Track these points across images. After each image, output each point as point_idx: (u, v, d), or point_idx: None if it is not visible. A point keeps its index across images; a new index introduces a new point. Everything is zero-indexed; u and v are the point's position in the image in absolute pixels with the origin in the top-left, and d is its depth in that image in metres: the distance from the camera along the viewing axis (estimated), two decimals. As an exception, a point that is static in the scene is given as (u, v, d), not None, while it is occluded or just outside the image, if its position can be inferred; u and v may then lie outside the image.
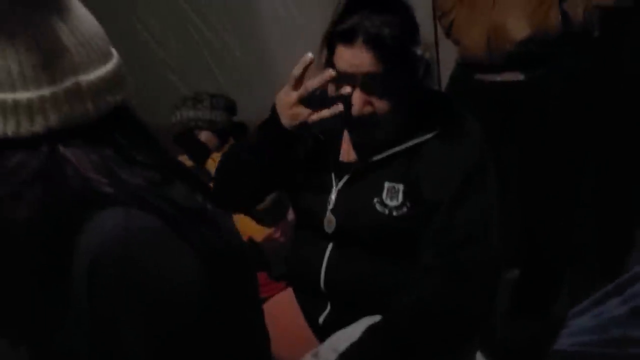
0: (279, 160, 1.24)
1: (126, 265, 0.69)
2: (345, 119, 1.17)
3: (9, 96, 0.68)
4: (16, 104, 0.68)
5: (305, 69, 1.14)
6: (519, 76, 1.87)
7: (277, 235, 2.17)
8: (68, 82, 0.71)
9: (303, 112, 1.16)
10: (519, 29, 1.80)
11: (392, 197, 1.22)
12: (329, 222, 1.28)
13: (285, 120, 1.18)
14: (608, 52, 1.93)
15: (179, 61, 2.94)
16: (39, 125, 0.70)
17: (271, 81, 2.52)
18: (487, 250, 1.19)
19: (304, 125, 1.17)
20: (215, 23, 2.78)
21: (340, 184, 1.29)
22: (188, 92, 2.52)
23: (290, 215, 2.33)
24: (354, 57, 1.15)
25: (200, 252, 0.75)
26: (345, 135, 1.32)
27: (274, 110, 1.20)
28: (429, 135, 1.22)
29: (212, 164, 2.40)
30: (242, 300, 0.87)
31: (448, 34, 2.02)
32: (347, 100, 1.16)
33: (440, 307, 1.17)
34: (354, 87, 1.17)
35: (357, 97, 1.16)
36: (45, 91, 0.70)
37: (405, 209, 1.21)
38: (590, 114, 1.91)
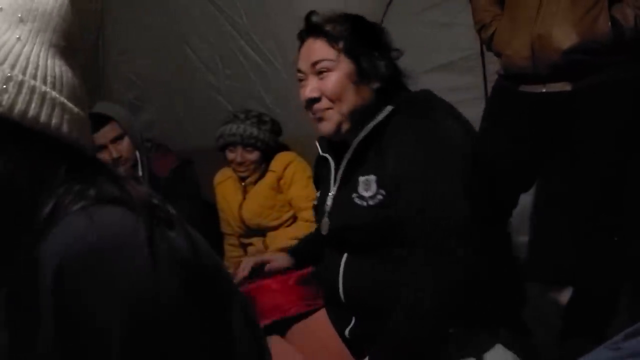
0: None
1: (95, 262, 0.69)
2: None
3: (76, 108, 0.80)
4: (71, 111, 0.80)
5: None
6: (565, 87, 1.80)
7: None
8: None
9: None
10: (565, 37, 1.74)
11: (366, 188, 1.29)
12: (324, 225, 1.38)
13: None
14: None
15: (228, 84, 3.02)
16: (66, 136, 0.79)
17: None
18: (450, 222, 1.18)
19: None
20: (262, 47, 2.85)
21: (334, 189, 1.39)
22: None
23: None
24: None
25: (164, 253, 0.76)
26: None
27: None
28: (383, 116, 1.31)
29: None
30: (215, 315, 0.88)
31: (489, 46, 1.98)
32: None
33: (419, 287, 1.17)
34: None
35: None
36: (82, 113, 0.81)
37: (380, 197, 1.27)
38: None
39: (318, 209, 1.46)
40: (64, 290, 0.69)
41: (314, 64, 1.31)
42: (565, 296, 2.10)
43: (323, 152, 1.45)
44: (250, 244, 2.52)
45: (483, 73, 2.42)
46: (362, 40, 1.33)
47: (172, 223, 0.81)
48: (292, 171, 2.36)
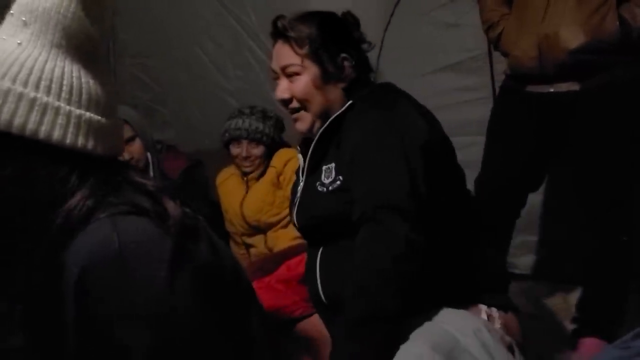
0: None
1: (116, 271, 0.70)
2: None
3: (86, 113, 0.78)
4: (89, 123, 0.78)
5: None
6: (572, 87, 1.80)
7: None
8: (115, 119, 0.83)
9: None
10: (572, 37, 1.74)
11: (327, 176, 1.32)
12: (294, 216, 1.41)
13: None
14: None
15: (237, 85, 3.04)
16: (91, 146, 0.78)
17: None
18: (394, 200, 1.16)
19: None
20: (271, 47, 2.86)
21: (302, 183, 1.42)
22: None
23: None
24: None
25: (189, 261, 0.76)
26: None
27: None
28: (341, 110, 1.33)
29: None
30: (234, 317, 0.88)
31: (496, 46, 1.99)
32: None
33: (365, 261, 1.14)
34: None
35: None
36: (89, 114, 0.79)
37: (338, 182, 1.29)
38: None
39: (291, 203, 1.49)
40: (85, 297, 0.70)
41: (283, 67, 1.36)
42: (574, 295, 2.10)
43: (299, 151, 1.48)
44: (252, 245, 2.52)
45: (490, 73, 2.42)
46: (330, 40, 1.36)
47: (198, 230, 0.81)
48: (291, 167, 2.35)
